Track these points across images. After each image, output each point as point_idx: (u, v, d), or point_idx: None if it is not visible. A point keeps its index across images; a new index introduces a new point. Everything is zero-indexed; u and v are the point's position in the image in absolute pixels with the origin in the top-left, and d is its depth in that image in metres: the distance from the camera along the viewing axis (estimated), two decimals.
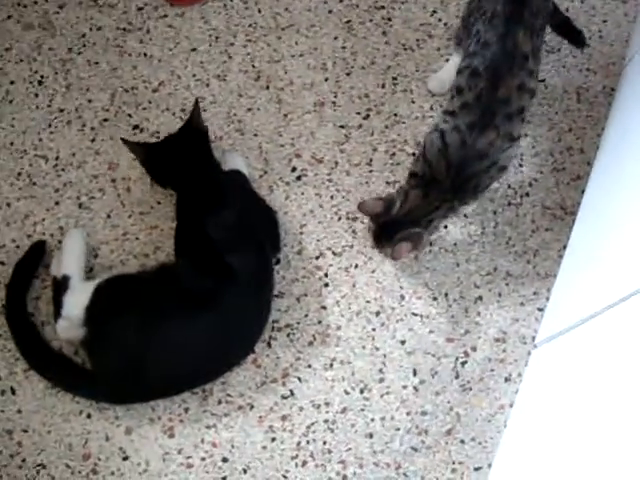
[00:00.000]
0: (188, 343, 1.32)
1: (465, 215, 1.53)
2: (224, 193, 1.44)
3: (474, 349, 1.43)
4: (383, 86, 1.66)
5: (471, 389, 1.40)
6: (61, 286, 1.40)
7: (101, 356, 1.35)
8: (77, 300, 1.36)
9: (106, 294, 1.36)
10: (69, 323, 1.37)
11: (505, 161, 1.38)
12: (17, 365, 1.41)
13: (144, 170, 1.50)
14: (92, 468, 1.36)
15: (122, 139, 1.46)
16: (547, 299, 1.46)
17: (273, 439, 1.37)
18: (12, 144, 1.61)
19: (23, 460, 1.36)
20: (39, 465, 1.36)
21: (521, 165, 1.57)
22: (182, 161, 1.45)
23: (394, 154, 1.60)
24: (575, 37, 1.61)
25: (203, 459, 1.36)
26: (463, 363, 1.42)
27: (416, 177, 1.39)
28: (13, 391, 1.40)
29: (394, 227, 1.38)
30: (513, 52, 1.33)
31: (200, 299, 1.33)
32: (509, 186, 1.56)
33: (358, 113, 1.64)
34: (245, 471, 1.36)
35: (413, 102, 1.64)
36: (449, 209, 1.39)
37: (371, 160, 1.59)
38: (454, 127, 1.35)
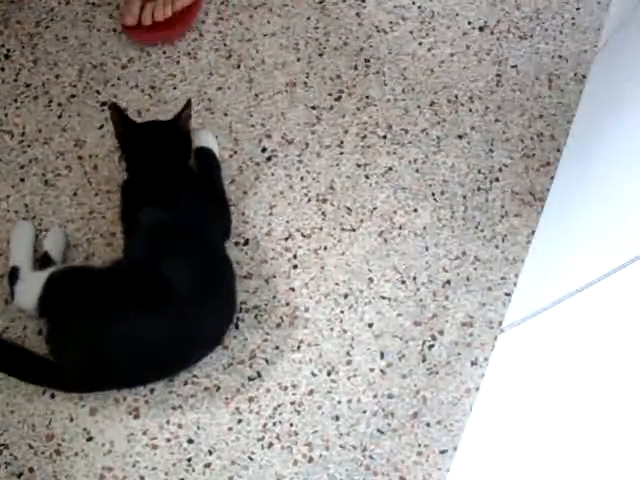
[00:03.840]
0: (146, 335, 1.30)
1: (435, 199, 1.53)
2: (173, 188, 1.42)
3: (441, 333, 1.44)
4: (355, 68, 1.65)
5: (438, 372, 1.41)
6: (11, 277, 1.39)
7: (60, 348, 1.33)
8: (28, 290, 1.35)
9: (61, 284, 1.34)
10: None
11: None
12: None
13: (115, 144, 1.48)
14: (56, 449, 1.35)
15: (112, 104, 1.42)
16: (515, 284, 1.47)
17: (239, 421, 1.37)
18: None
19: None
20: (1, 445, 1.34)
21: (492, 150, 1.58)
22: (151, 150, 1.43)
23: (365, 136, 1.59)
24: None
25: (168, 440, 1.36)
26: (430, 346, 1.43)
27: None
28: None
29: None
30: None
31: (152, 293, 1.32)
32: (479, 171, 1.56)
33: (330, 94, 1.63)
34: (211, 452, 1.35)
35: (385, 84, 1.64)
36: None
37: (342, 142, 1.59)
38: None
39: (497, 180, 1.56)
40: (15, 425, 1.36)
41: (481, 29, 1.70)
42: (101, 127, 1.57)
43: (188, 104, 1.45)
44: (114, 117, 1.43)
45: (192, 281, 1.33)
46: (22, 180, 1.53)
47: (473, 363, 1.41)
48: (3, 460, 1.34)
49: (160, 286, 1.32)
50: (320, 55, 1.66)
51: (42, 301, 1.33)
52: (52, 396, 1.37)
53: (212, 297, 1.36)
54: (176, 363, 1.37)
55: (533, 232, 1.51)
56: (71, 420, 1.36)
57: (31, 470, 1.33)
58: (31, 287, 1.35)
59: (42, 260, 1.42)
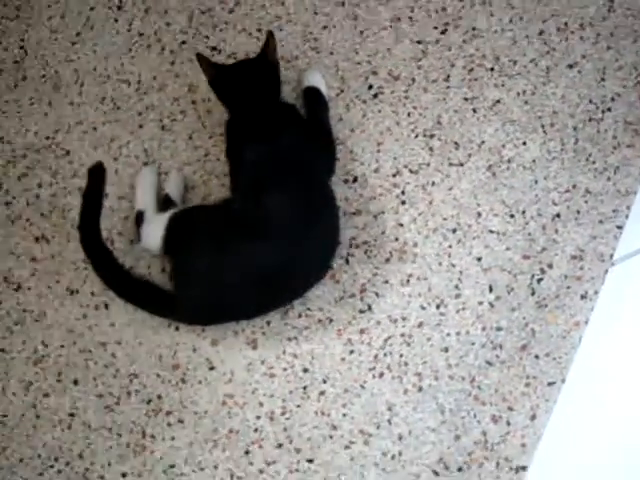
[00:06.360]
0: (254, 266, 1.36)
1: (544, 131, 1.51)
2: (275, 124, 1.46)
3: (550, 266, 1.43)
4: None
5: (546, 306, 1.41)
6: (137, 220, 1.48)
7: (182, 284, 1.41)
8: (152, 232, 1.44)
9: (180, 224, 1.42)
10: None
11: None
12: None
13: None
14: (181, 377, 1.44)
15: (197, 54, 1.47)
16: (627, 217, 1.44)
17: (351, 351, 1.43)
18: (95, 69, 1.66)
19: (117, 370, 1.46)
20: (132, 375, 1.46)
21: (603, 79, 1.53)
22: (246, 88, 1.47)
23: (472, 69, 1.57)
24: None
25: (285, 369, 1.43)
26: (539, 280, 1.43)
27: None
28: (106, 306, 1.49)
29: None
30: None
31: (256, 226, 1.37)
32: (590, 101, 1.52)
33: (435, 28, 1.61)
34: (325, 381, 1.42)
35: (492, 15, 1.60)
36: None
37: (448, 76, 1.57)
38: None
39: (609, 110, 1.51)
40: (143, 356, 1.46)
41: None
42: None
43: (270, 35, 1.47)
44: (203, 65, 1.47)
45: (294, 214, 1.38)
46: (140, 126, 1.61)
47: (583, 296, 1.41)
48: (134, 388, 1.45)
49: (264, 219, 1.37)
50: None
51: (165, 240, 1.42)
52: (177, 329, 1.46)
53: (314, 229, 1.39)
54: (285, 293, 1.43)
55: None
56: (194, 351, 1.45)
57: (159, 397, 1.44)
58: (155, 228, 1.43)
59: (164, 202, 1.50)
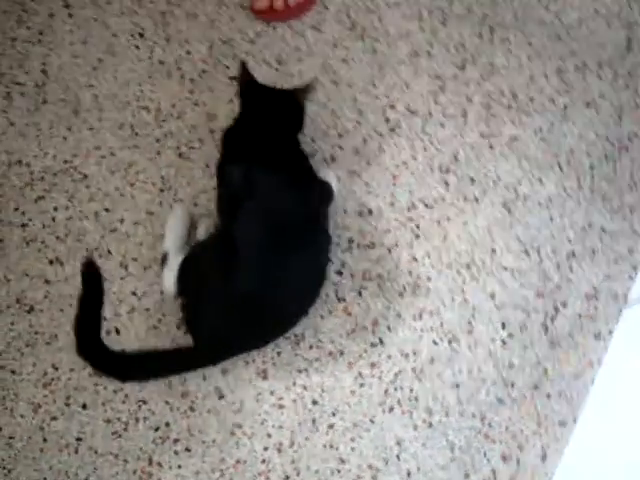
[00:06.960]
0: (240, 293, 1.31)
1: (560, 169, 1.51)
2: (270, 152, 1.41)
3: (564, 305, 1.43)
4: (480, 36, 1.63)
5: (560, 345, 1.40)
6: (162, 261, 1.46)
7: (191, 321, 1.39)
8: (170, 274, 1.41)
9: (188, 264, 1.40)
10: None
11: None
12: (121, 307, 1.49)
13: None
14: (190, 405, 1.44)
15: (241, 61, 1.45)
16: None
17: (362, 385, 1.42)
18: (115, 96, 1.67)
19: (126, 396, 1.45)
20: (140, 401, 1.45)
21: (620, 118, 1.53)
22: (260, 111, 1.44)
23: (489, 106, 1.58)
24: None
25: (294, 401, 1.42)
26: (552, 318, 1.42)
27: None
28: (117, 331, 1.49)
29: None
30: None
31: (234, 252, 1.32)
32: (607, 139, 1.52)
33: (453, 63, 1.62)
34: (334, 414, 1.41)
35: (510, 52, 1.61)
36: None
37: (466, 112, 1.58)
38: None
39: (626, 150, 1.51)
40: (153, 382, 1.45)
41: None
42: (231, 101, 1.62)
43: (312, 86, 1.45)
44: (242, 73, 1.45)
45: (270, 241, 1.32)
46: (158, 153, 1.62)
47: (596, 336, 1.40)
48: (142, 415, 1.44)
49: (236, 245, 1.32)
50: (443, 24, 1.65)
51: (178, 282, 1.39)
52: None
53: (298, 257, 1.33)
54: (273, 322, 1.37)
55: None
56: (204, 379, 1.45)
57: (167, 424, 1.43)
58: (173, 270, 1.41)
59: None
